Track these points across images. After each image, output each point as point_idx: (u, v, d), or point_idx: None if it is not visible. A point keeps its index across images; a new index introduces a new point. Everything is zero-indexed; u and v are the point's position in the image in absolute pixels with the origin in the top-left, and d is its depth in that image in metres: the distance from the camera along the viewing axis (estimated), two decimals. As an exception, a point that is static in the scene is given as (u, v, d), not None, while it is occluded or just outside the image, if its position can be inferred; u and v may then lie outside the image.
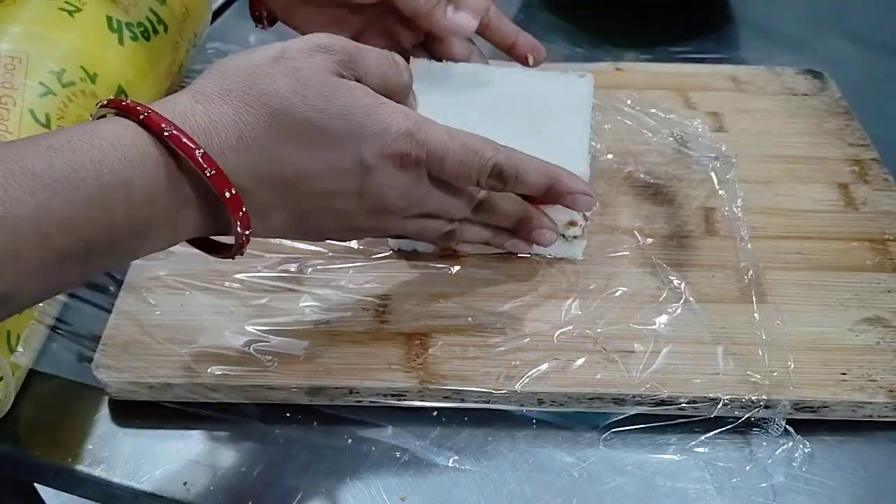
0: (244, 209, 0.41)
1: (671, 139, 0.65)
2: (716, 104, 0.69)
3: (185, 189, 0.40)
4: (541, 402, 0.48)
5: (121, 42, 0.58)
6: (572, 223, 0.54)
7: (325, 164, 0.42)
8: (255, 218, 0.42)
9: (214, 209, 0.41)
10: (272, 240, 0.56)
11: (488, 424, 0.48)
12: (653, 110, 0.67)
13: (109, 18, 0.58)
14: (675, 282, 0.54)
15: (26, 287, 0.36)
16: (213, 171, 0.39)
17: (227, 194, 0.40)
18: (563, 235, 0.55)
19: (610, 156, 0.63)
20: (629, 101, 0.68)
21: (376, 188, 0.44)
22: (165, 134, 0.38)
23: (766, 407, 0.47)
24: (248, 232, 0.42)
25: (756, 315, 0.52)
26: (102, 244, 0.38)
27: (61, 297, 0.54)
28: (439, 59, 0.60)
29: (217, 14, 0.82)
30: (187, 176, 0.40)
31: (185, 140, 0.39)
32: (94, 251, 0.37)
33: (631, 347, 0.50)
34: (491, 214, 0.51)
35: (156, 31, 0.62)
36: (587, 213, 0.56)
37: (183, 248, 0.55)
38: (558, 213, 0.54)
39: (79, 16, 0.56)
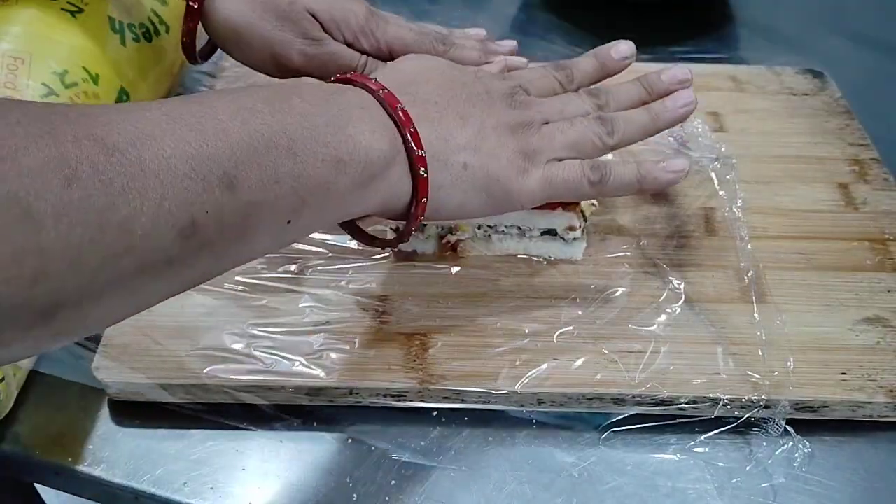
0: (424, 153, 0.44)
1: (671, 139, 0.65)
2: (716, 104, 0.69)
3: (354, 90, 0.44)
4: (541, 402, 0.48)
5: (123, 43, 0.58)
6: (571, 227, 0.54)
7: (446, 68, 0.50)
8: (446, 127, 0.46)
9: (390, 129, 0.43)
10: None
11: (488, 424, 0.48)
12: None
13: (111, 19, 0.58)
14: (675, 282, 0.54)
15: (245, 170, 0.36)
16: (403, 109, 0.44)
17: (400, 107, 0.44)
18: (563, 238, 0.55)
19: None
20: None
21: (487, 77, 0.51)
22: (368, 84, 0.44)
23: (766, 407, 0.47)
24: (424, 200, 0.44)
25: (756, 315, 0.52)
26: (300, 132, 0.39)
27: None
28: None
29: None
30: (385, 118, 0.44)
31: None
32: (296, 141, 0.39)
33: (631, 347, 0.50)
34: (613, 96, 0.53)
35: (157, 32, 0.62)
36: (587, 214, 0.56)
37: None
38: (558, 219, 0.54)
39: (81, 16, 0.56)
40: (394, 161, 0.43)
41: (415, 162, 0.43)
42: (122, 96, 0.57)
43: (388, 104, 0.43)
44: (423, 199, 0.44)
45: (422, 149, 0.44)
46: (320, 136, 0.40)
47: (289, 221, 0.39)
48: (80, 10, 0.57)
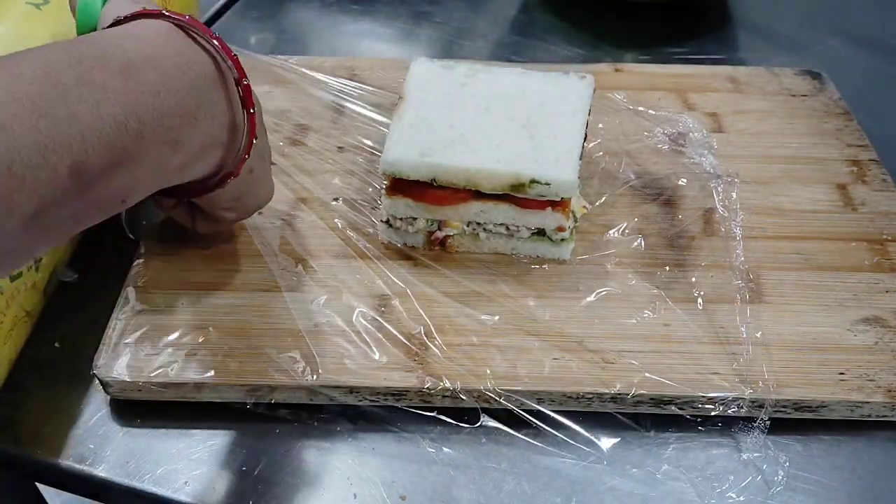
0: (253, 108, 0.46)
1: (666, 137, 0.65)
2: (714, 105, 0.69)
3: (210, 67, 0.43)
4: (540, 401, 0.48)
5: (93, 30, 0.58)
6: (560, 228, 0.54)
7: None
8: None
9: (232, 101, 0.45)
10: (272, 241, 0.56)
11: (487, 424, 0.48)
12: (649, 109, 0.67)
13: None
14: (674, 282, 0.54)
15: (93, 158, 0.36)
16: (234, 55, 0.44)
17: (245, 81, 0.45)
18: (551, 238, 0.55)
19: (606, 156, 0.63)
20: (624, 100, 0.68)
21: None
22: (186, 18, 0.43)
23: (764, 406, 0.48)
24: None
25: (755, 315, 0.52)
26: (150, 116, 0.39)
27: (63, 297, 0.54)
28: None
29: (218, 14, 0.82)
30: (210, 55, 0.43)
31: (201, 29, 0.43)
32: (145, 125, 0.39)
33: (629, 347, 0.50)
34: None
35: None
36: (578, 216, 0.56)
37: (183, 248, 0.55)
38: (546, 219, 0.54)
39: (46, 8, 0.57)
40: (230, 139, 0.45)
41: (250, 134, 0.46)
42: None
43: (237, 70, 0.44)
44: (254, 140, 0.46)
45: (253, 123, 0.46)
46: (167, 119, 0.40)
47: (123, 201, 0.40)
48: (46, 2, 0.57)
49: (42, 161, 0.34)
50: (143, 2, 0.46)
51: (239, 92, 0.45)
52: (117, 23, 0.43)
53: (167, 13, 0.43)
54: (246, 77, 0.45)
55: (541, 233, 0.55)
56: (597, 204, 0.59)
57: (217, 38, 0.44)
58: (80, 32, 0.48)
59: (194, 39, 0.43)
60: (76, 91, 0.36)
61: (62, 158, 0.35)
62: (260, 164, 0.50)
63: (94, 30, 0.47)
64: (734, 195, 0.60)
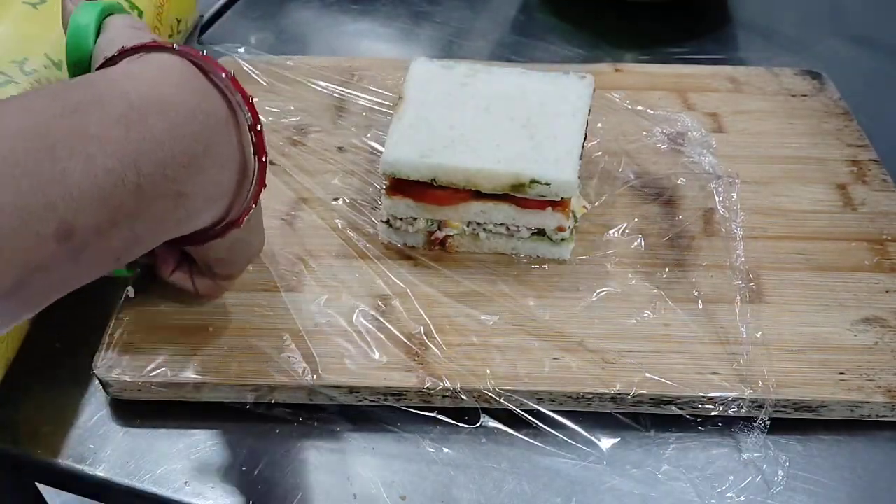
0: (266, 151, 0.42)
1: (665, 137, 0.65)
2: (714, 105, 0.69)
3: (222, 110, 0.39)
4: (540, 400, 0.48)
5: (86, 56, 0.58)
6: (560, 228, 0.54)
7: None
8: None
9: (244, 145, 0.41)
10: (272, 240, 0.56)
11: (487, 424, 0.49)
12: (648, 109, 0.67)
13: None
14: (674, 282, 0.54)
15: (84, 218, 0.33)
16: (250, 96, 0.40)
17: (259, 126, 0.41)
18: (551, 238, 0.55)
19: (606, 156, 0.63)
20: (624, 100, 0.68)
21: None
22: (196, 53, 0.39)
23: (764, 406, 0.48)
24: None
25: (755, 315, 0.52)
26: (152, 167, 0.35)
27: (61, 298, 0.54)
28: None
29: (218, 14, 0.82)
30: (223, 95, 0.40)
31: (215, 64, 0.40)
32: (145, 177, 0.35)
33: (628, 347, 0.50)
34: None
35: None
36: (578, 216, 0.56)
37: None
38: (546, 219, 0.54)
39: (43, 7, 0.57)
40: (238, 188, 0.41)
41: (259, 183, 0.42)
42: None
43: (250, 111, 0.41)
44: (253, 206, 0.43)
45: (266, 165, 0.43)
46: (170, 169, 0.36)
47: (118, 259, 0.37)
48: (42, 1, 0.57)
49: (21, 225, 0.31)
50: (142, 30, 0.43)
51: (252, 138, 0.41)
52: (121, 53, 0.40)
53: (177, 47, 0.39)
54: (260, 122, 0.41)
55: (541, 233, 0.55)
56: (597, 204, 0.59)
57: (229, 74, 0.40)
58: (69, 58, 0.44)
59: (205, 75, 0.39)
60: (66, 143, 0.32)
61: (45, 222, 0.31)
62: (256, 211, 0.46)
63: (87, 55, 0.43)
64: (734, 195, 0.60)
